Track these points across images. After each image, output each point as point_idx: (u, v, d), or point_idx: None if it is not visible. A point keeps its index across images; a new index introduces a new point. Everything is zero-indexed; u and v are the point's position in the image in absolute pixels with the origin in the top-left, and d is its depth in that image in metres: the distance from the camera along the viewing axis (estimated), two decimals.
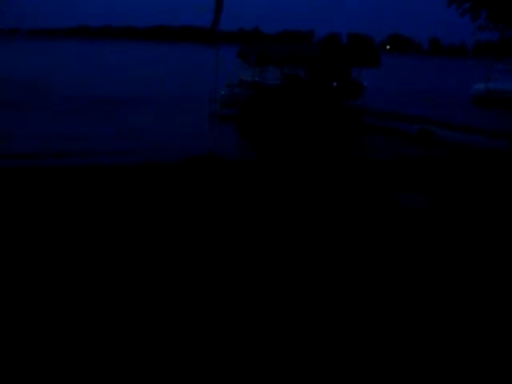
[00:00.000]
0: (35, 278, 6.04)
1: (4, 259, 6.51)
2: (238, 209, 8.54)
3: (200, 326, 5.11)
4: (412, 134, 23.01)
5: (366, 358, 4.77)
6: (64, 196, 9.14)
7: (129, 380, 4.34)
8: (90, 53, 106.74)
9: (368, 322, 5.32)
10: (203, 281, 6.08)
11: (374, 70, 28.35)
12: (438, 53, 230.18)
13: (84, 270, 6.24)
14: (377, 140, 23.33)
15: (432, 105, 35.55)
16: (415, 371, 4.62)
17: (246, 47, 32.60)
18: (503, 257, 7.01)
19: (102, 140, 19.48)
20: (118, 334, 4.96)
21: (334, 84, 27.40)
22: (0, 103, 26.67)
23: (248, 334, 5.02)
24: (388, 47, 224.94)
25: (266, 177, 11.05)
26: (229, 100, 28.82)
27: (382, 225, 7.96)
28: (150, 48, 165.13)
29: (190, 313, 5.40)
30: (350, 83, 28.18)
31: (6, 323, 5.06)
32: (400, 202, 8.76)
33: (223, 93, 29.07)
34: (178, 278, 6.16)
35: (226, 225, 7.75)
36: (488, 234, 7.81)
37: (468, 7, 14.15)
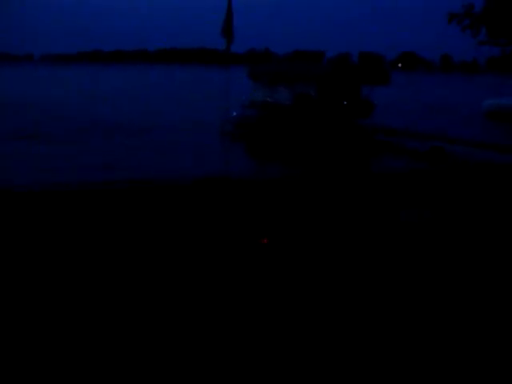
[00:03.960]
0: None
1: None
2: (248, 230, 8.64)
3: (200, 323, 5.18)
4: (423, 151, 23.02)
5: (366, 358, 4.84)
6: (75, 217, 9.29)
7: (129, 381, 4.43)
8: (105, 78, 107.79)
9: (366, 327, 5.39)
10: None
11: (386, 88, 28.47)
12: (450, 69, 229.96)
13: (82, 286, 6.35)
14: (387, 158, 23.38)
15: (444, 121, 35.60)
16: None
17: (257, 67, 32.87)
18: (504, 277, 7.03)
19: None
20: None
21: (345, 102, 27.54)
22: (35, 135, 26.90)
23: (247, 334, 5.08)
24: (400, 65, 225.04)
25: (278, 196, 11.16)
26: (240, 121, 29.07)
27: (384, 240, 8.02)
28: (162, 70, 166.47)
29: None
30: (360, 101, 28.33)
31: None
32: (405, 218, 8.83)
33: (235, 114, 29.35)
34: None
35: (232, 250, 7.83)
36: (491, 251, 7.84)
37: (468, 23, 14.32)
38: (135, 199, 10.83)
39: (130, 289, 6.44)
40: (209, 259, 7.37)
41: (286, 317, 5.81)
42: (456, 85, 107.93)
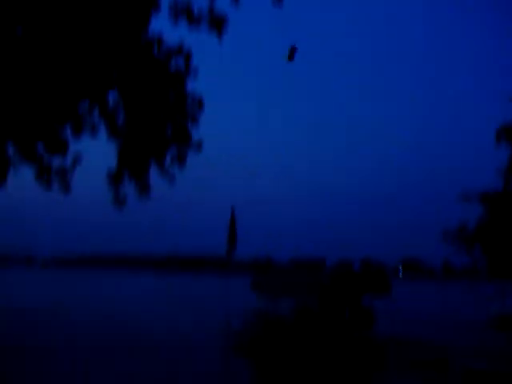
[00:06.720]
0: None
1: None
2: None
3: None
4: (427, 361, 22.66)
5: None
6: None
7: None
8: (108, 284, 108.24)
9: None
10: None
11: (387, 298, 28.43)
12: (452, 275, 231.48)
13: None
14: (390, 368, 22.81)
15: (448, 331, 35.18)
16: None
17: (259, 279, 33.09)
18: None
19: None
20: None
21: (347, 313, 27.29)
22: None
23: None
24: (400, 275, 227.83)
25: None
26: (242, 333, 28.70)
27: None
28: (165, 277, 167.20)
29: None
30: (362, 311, 28.10)
31: None
32: None
33: (236, 326, 29.08)
34: None
35: None
36: None
37: (462, 244, 15.09)
38: None
39: None
40: None
41: None
42: (459, 291, 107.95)
